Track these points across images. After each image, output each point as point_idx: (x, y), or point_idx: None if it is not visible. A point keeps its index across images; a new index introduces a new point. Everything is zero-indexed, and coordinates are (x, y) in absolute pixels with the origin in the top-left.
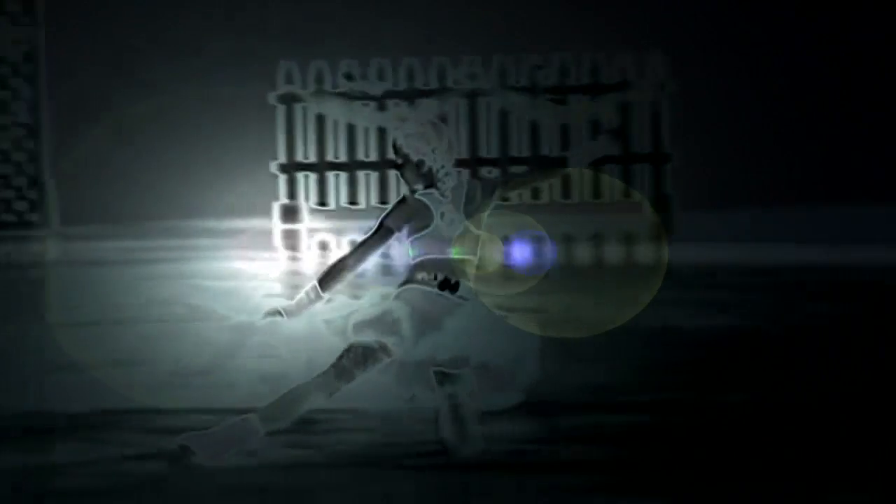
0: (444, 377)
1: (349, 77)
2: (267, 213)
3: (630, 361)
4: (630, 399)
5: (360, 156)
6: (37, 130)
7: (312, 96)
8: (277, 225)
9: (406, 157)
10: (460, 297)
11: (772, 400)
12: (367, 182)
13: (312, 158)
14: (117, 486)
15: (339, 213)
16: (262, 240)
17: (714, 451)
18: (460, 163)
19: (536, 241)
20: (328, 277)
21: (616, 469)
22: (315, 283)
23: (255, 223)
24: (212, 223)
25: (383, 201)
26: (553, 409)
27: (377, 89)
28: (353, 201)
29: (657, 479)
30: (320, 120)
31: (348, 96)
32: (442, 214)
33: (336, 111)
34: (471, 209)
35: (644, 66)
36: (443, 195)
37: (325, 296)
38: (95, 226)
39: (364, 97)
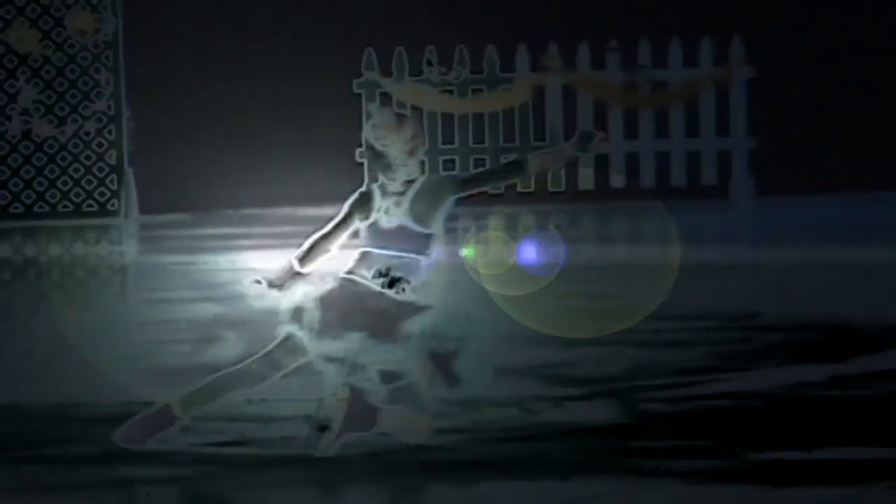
0: (385, 374)
1: (431, 64)
2: None
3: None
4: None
5: (441, 143)
6: (116, 119)
7: (395, 83)
8: None
9: (368, 147)
10: (413, 302)
11: None
12: (450, 169)
13: None
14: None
15: None
16: None
17: None
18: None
19: (548, 239)
20: (305, 253)
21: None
22: (293, 258)
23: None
24: (294, 211)
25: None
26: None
27: (459, 76)
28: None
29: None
30: (403, 107)
31: (430, 83)
32: (385, 208)
33: (418, 98)
34: (418, 207)
35: (721, 51)
36: (391, 188)
37: (303, 270)
38: (175, 215)
39: (445, 84)
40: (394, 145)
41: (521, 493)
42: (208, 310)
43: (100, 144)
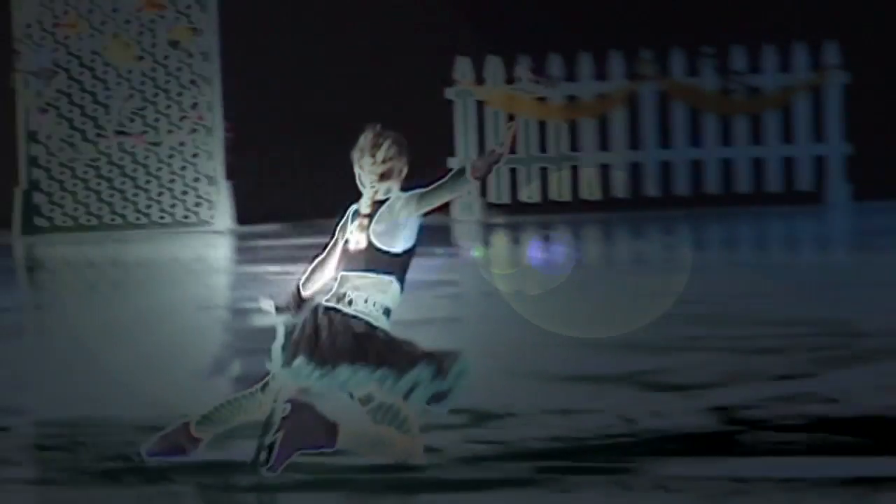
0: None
1: (525, 71)
2: (442, 209)
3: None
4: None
5: (534, 151)
6: (212, 130)
7: (488, 91)
8: (454, 220)
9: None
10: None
11: None
12: (543, 177)
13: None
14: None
15: (516, 208)
16: (438, 236)
17: None
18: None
19: (557, 240)
20: (306, 278)
21: None
22: (298, 282)
23: (431, 219)
24: None
25: (560, 196)
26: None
27: (553, 84)
28: (529, 197)
29: None
30: (496, 115)
31: (524, 91)
32: (351, 230)
33: (511, 106)
34: (380, 228)
35: (816, 56)
36: (361, 209)
37: (305, 294)
38: (271, 225)
39: (539, 92)
40: (365, 167)
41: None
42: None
43: (196, 156)
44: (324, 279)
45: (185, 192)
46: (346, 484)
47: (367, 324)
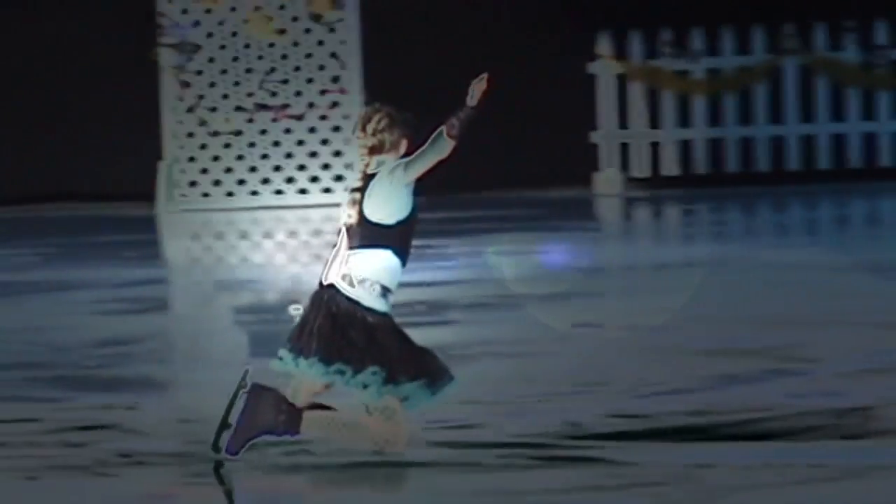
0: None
1: (668, 47)
2: (585, 183)
3: None
4: None
5: (675, 125)
6: (353, 103)
7: (629, 66)
8: (596, 194)
9: None
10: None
11: None
12: (685, 151)
13: (633, 128)
14: None
15: (657, 182)
16: (581, 210)
17: None
18: None
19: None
20: (326, 270)
21: None
22: (320, 278)
23: (574, 193)
24: (529, 193)
25: (704, 170)
26: None
27: (695, 58)
28: (668, 171)
29: None
30: (639, 90)
31: (666, 65)
32: (344, 206)
33: (654, 80)
34: (371, 202)
35: None
36: (355, 185)
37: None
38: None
39: (681, 66)
40: (359, 141)
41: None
42: (445, 293)
43: (337, 130)
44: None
45: (326, 167)
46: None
47: (366, 309)
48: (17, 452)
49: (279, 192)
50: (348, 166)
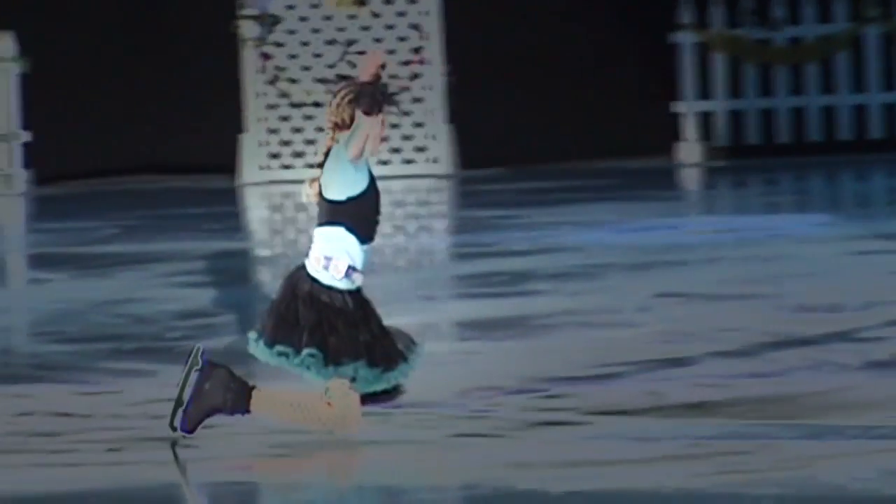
0: None
1: (750, 14)
2: (668, 152)
3: None
4: None
5: (757, 94)
6: (434, 74)
7: (711, 35)
8: (678, 164)
9: None
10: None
11: None
12: (767, 120)
13: (714, 98)
14: None
15: (738, 152)
16: (662, 179)
17: None
18: None
19: None
20: None
21: None
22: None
23: (656, 163)
24: (610, 163)
25: (786, 140)
26: None
27: (777, 26)
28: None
29: None
30: (720, 60)
31: (747, 33)
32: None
33: (735, 49)
34: (323, 178)
35: None
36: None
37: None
38: (494, 169)
39: (763, 35)
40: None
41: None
42: (528, 263)
43: (419, 101)
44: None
45: (407, 138)
46: None
47: (326, 288)
48: (101, 424)
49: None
50: (430, 137)
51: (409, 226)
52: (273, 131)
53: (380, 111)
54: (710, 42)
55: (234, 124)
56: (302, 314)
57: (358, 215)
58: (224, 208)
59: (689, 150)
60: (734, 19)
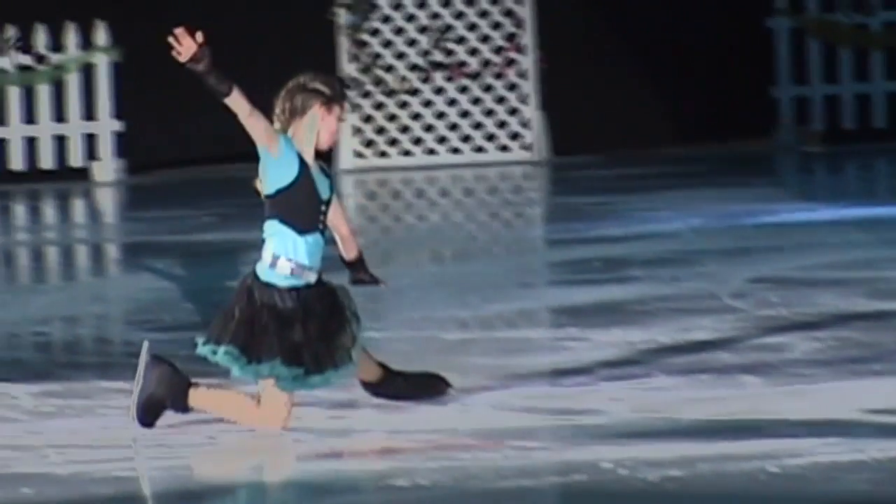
0: None
1: (845, 1)
2: (764, 137)
3: None
4: None
5: (853, 79)
6: (528, 61)
7: (807, 20)
8: (774, 149)
9: None
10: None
11: None
12: (861, 105)
13: (810, 83)
14: None
15: (834, 137)
16: (759, 164)
17: None
18: None
19: None
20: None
21: None
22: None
23: (748, 150)
24: (707, 148)
25: (882, 125)
26: None
27: (872, 12)
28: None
29: None
30: (816, 44)
31: (844, 18)
32: None
33: (831, 34)
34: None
35: None
36: None
37: (349, 258)
38: (587, 156)
39: (858, 20)
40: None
41: None
42: (623, 250)
43: (513, 88)
44: (339, 236)
45: (501, 125)
46: None
47: (262, 284)
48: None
49: (455, 150)
50: (524, 124)
51: (503, 213)
52: (368, 119)
53: (340, 107)
54: (806, 27)
55: None
56: (238, 309)
57: (290, 206)
58: None
59: (785, 135)
60: (830, 4)
